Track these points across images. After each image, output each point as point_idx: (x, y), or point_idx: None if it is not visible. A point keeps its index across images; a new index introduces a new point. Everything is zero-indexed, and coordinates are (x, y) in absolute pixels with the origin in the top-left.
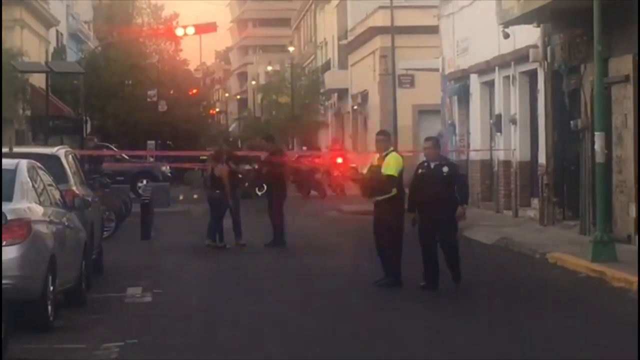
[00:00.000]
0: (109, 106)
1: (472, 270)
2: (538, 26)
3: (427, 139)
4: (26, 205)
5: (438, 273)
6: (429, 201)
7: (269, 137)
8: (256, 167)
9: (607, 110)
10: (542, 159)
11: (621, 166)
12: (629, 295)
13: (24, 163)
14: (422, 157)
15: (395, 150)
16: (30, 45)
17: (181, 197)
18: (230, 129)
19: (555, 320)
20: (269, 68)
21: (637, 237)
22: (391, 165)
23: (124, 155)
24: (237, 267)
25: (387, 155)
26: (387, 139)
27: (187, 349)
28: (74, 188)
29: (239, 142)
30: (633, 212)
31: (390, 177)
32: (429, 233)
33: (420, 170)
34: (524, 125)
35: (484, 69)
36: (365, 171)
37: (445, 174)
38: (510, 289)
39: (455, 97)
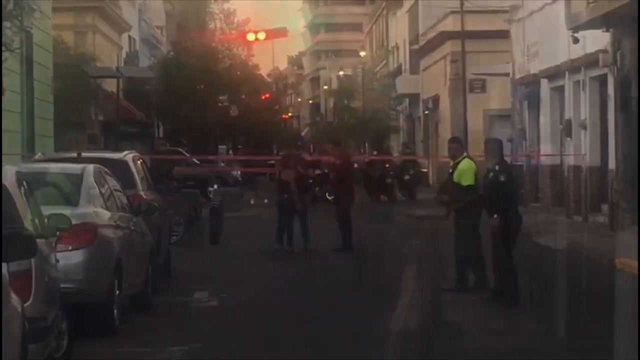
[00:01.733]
0: (180, 111)
1: (539, 275)
2: (607, 31)
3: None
4: (92, 209)
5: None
6: (491, 209)
7: (337, 142)
8: (326, 171)
9: None
10: (612, 164)
11: None
12: None
13: (90, 168)
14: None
15: (469, 156)
16: (102, 51)
17: (252, 202)
18: (303, 134)
19: (619, 326)
20: (341, 73)
21: None
22: (468, 173)
23: (194, 159)
24: (304, 272)
25: (459, 162)
26: (459, 147)
27: (250, 354)
28: (141, 193)
29: (311, 147)
30: None
31: (470, 187)
32: (495, 240)
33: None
34: (594, 130)
35: (554, 73)
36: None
37: (502, 181)
38: (576, 295)
39: (526, 102)
